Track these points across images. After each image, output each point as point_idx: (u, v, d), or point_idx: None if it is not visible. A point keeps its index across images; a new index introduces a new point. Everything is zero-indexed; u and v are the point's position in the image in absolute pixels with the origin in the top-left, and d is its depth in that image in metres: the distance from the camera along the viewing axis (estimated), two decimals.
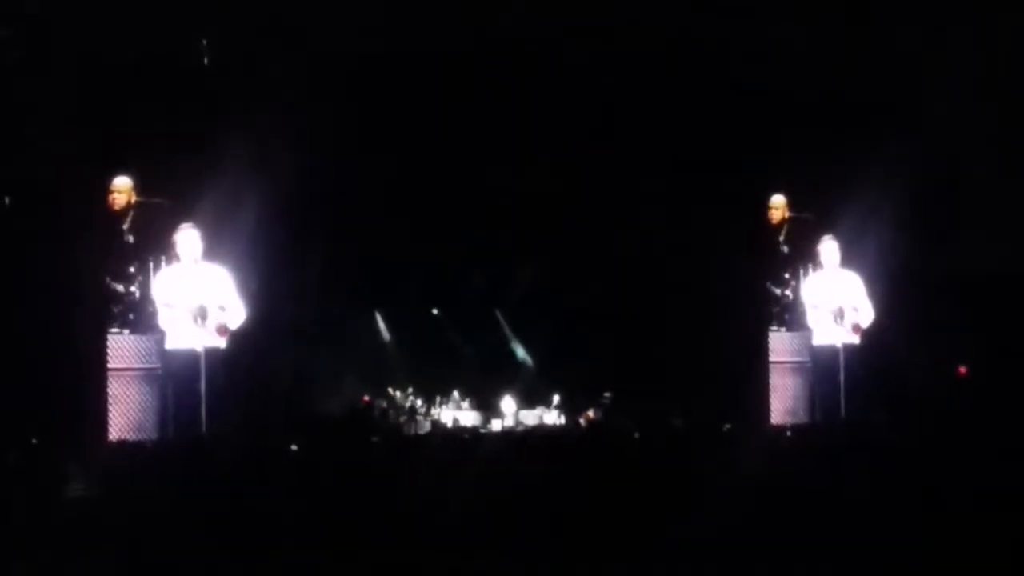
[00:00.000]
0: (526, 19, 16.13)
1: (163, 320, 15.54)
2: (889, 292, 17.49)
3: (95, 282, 15.13)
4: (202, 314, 15.63)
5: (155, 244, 15.56)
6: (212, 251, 15.78)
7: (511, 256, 18.74)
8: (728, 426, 15.31)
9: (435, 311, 20.09)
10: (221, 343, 15.72)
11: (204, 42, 15.89)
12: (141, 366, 15.47)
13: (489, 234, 18.26)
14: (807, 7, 16.32)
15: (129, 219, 15.38)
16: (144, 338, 15.55)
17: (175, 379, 15.36)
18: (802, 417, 17.07)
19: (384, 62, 16.50)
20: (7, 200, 14.89)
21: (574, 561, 9.75)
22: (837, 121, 17.04)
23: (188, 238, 15.63)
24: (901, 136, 16.61)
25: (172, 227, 15.58)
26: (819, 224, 17.52)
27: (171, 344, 15.54)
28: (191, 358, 15.47)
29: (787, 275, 17.63)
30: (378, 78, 16.63)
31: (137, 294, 15.59)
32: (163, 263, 15.62)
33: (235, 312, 15.86)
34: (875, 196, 16.72)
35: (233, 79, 15.88)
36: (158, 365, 15.52)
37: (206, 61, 15.96)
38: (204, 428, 14.99)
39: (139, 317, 15.56)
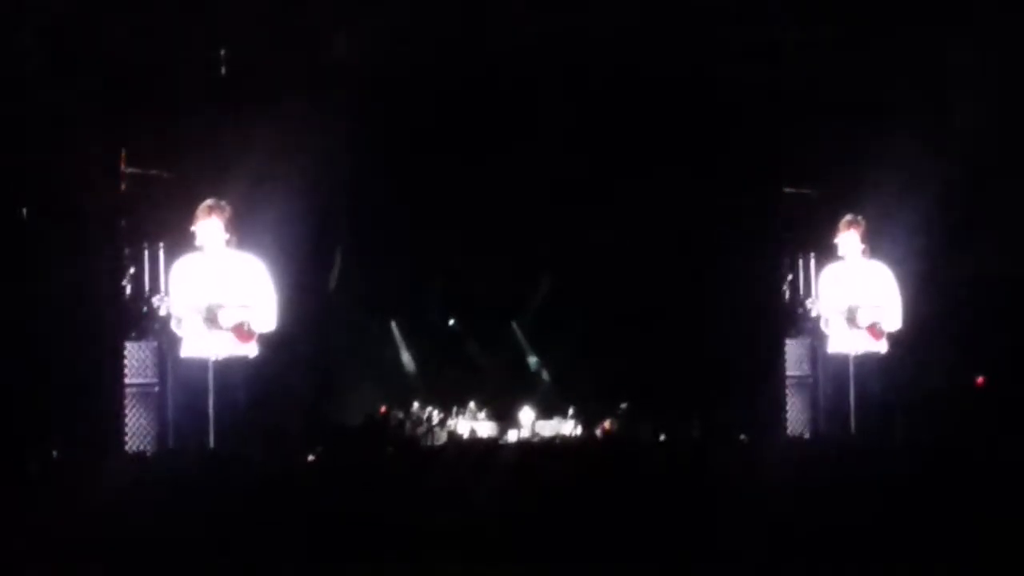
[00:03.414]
0: (536, 22, 16.13)
1: (174, 321, 12.71)
2: (908, 294, 15.33)
3: (113, 287, 13.38)
4: (210, 314, 12.65)
5: (152, 227, 13.08)
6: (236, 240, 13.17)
7: (528, 268, 18.77)
8: (744, 436, 15.27)
9: (452, 322, 20.13)
10: (250, 349, 12.86)
11: (223, 52, 15.86)
12: (132, 381, 12.97)
13: (505, 245, 18.26)
14: (832, 9, 15.97)
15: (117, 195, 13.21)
16: (138, 346, 13.03)
17: (179, 395, 12.81)
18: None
19: (405, 72, 16.48)
20: (24, 211, 14.73)
21: (591, 571, 9.78)
22: (848, 111, 15.76)
23: (210, 217, 12.72)
24: (920, 131, 15.63)
25: (173, 206, 13.01)
26: (824, 203, 15.17)
27: (187, 352, 12.80)
28: (198, 372, 12.85)
29: (783, 266, 15.04)
30: (400, 89, 16.58)
31: (128, 289, 13.03)
32: (160, 251, 12.85)
33: (265, 312, 12.96)
34: (889, 177, 14.98)
35: (253, 79, 15.10)
36: (155, 380, 13.01)
37: (224, 71, 15.91)
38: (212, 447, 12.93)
39: (131, 320, 13.04)
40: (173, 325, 12.75)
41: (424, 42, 15.94)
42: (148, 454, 13.09)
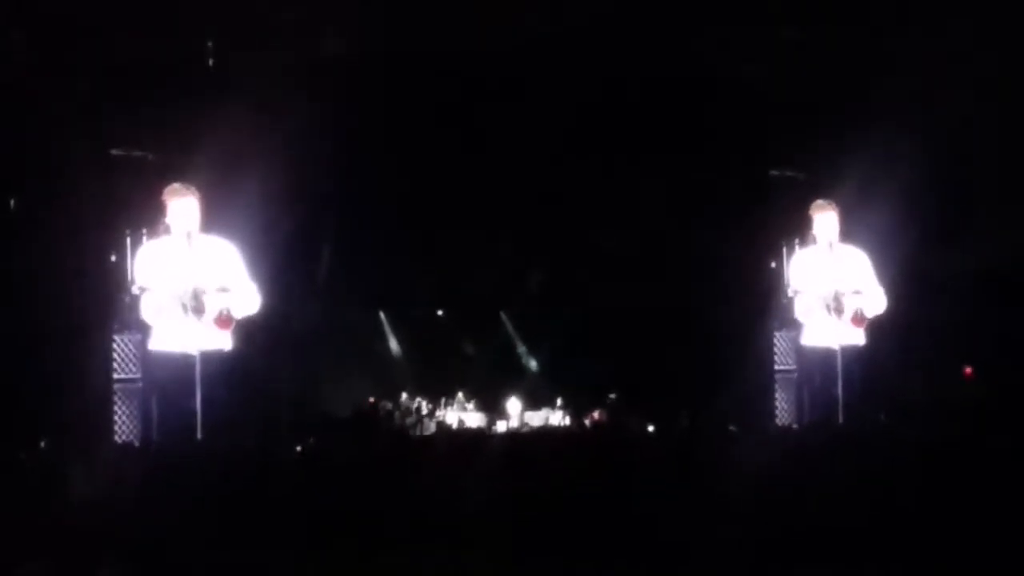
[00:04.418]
0: (532, 19, 16.13)
1: (146, 310, 11.27)
2: (893, 285, 14.23)
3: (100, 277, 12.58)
4: (196, 301, 11.27)
5: (133, 211, 12.03)
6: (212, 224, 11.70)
7: (517, 257, 18.78)
8: (733, 427, 15.31)
9: (440, 312, 20.17)
10: (224, 341, 11.54)
11: (209, 44, 15.82)
12: (115, 376, 12.32)
13: (495, 235, 18.28)
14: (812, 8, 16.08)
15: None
16: (120, 339, 12.36)
17: (162, 392, 11.59)
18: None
19: (390, 63, 16.48)
20: (12, 202, 14.67)
21: (583, 561, 9.78)
22: (839, 104, 15.72)
23: (180, 201, 11.42)
24: (910, 122, 15.32)
25: (157, 189, 11.73)
26: (812, 185, 14.54)
27: (156, 345, 11.43)
28: (183, 365, 11.35)
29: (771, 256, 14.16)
30: (386, 79, 16.56)
31: (111, 279, 12.04)
32: (144, 236, 11.63)
33: (244, 297, 11.53)
34: (876, 164, 14.52)
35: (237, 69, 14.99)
36: (138, 375, 12.18)
37: (211, 63, 15.86)
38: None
39: (114, 311, 12.12)
40: (145, 314, 11.38)
41: (419, 33, 15.94)
42: (136, 446, 12.74)
